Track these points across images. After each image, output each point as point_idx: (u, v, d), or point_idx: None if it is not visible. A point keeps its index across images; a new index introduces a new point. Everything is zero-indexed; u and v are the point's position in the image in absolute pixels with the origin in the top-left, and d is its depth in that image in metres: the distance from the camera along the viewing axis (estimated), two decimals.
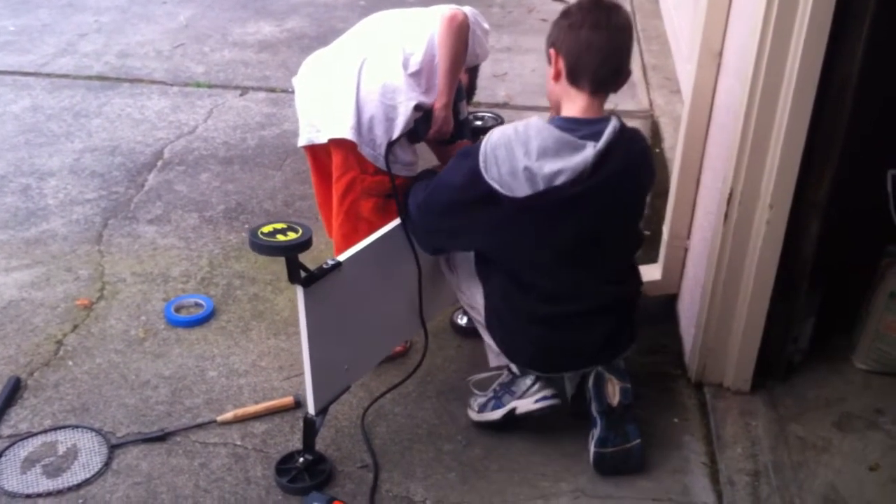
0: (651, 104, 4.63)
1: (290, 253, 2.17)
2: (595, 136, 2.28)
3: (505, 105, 4.54)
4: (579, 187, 2.26)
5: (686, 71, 4.37)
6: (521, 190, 2.25)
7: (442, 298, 2.82)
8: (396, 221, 2.53)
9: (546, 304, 2.45)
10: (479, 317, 2.60)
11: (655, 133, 4.37)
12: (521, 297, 2.46)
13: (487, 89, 4.77)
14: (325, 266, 2.28)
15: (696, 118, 2.84)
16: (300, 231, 2.18)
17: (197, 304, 3.12)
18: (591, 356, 2.52)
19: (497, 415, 2.61)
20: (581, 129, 2.29)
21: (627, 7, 5.92)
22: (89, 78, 4.66)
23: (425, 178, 2.57)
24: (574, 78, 2.33)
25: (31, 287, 3.18)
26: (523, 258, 2.43)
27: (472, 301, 2.62)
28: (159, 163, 3.95)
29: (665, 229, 3.07)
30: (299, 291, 2.23)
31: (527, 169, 2.24)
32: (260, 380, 2.80)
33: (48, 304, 3.10)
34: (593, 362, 2.52)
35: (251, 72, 4.73)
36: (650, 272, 3.06)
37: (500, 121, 2.90)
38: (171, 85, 4.63)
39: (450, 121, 2.69)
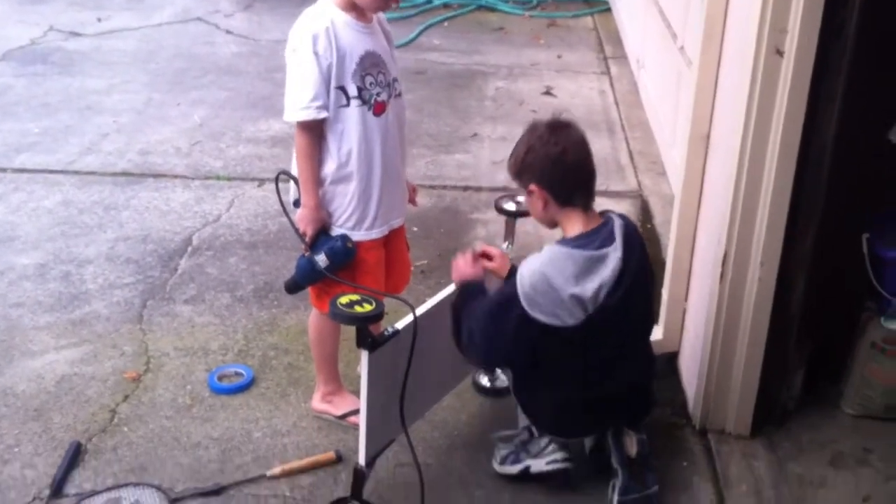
0: (640, 185, 5.00)
1: (364, 323, 2.44)
2: (609, 239, 2.51)
3: (505, 188, 4.88)
4: (620, 291, 2.48)
5: (671, 155, 4.76)
6: (574, 317, 2.45)
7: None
8: (446, 292, 2.77)
9: (578, 390, 2.63)
10: (509, 382, 2.83)
11: (646, 211, 4.71)
12: (551, 382, 2.64)
13: (487, 175, 5.13)
14: (385, 333, 2.54)
15: (689, 193, 3.17)
16: (374, 304, 2.44)
17: (237, 373, 3.37)
18: (613, 424, 2.73)
19: (514, 470, 2.83)
20: (595, 239, 2.51)
21: (610, 100, 6.35)
22: (115, 174, 4.97)
23: (469, 296, 2.68)
24: (565, 201, 2.55)
25: (81, 363, 3.43)
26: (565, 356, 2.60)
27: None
28: (189, 249, 4.24)
29: (664, 293, 3.37)
30: (364, 355, 2.49)
31: (573, 296, 2.43)
32: (302, 438, 3.05)
33: (99, 377, 3.35)
34: (614, 426, 2.74)
35: (266, 165, 5.06)
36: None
37: None
38: (193, 179, 4.94)
39: (304, 221, 2.80)
